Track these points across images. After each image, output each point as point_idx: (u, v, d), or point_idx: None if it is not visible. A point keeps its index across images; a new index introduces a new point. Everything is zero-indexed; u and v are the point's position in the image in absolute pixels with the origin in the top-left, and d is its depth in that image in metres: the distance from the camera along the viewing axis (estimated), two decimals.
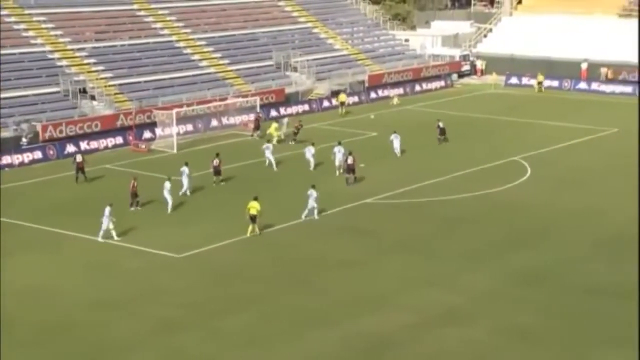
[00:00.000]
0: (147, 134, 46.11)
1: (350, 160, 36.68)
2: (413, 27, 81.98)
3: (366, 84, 59.77)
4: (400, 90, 60.39)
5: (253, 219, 30.16)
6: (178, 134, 45.39)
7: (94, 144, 44.10)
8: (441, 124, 44.37)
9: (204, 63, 55.38)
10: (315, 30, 64.75)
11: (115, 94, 49.20)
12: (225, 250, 29.16)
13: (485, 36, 72.87)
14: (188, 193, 35.12)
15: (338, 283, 26.11)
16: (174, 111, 45.32)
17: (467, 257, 28.20)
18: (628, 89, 59.65)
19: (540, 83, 61.55)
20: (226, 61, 56.32)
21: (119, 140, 45.27)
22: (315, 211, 31.90)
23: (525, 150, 42.52)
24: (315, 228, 31.33)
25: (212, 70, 55.15)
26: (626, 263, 27.30)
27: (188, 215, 32.78)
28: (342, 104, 54.02)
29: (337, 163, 38.19)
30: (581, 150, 43.63)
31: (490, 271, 26.90)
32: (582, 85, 61.94)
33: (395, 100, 57.31)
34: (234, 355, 21.73)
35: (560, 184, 36.89)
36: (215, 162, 36.55)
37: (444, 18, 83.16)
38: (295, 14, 65.47)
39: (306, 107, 55.03)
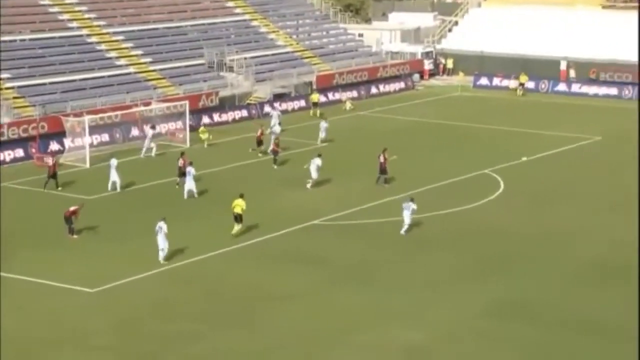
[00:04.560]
0: (53, 146, 45.60)
1: (382, 159, 38.95)
2: (368, 20, 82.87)
3: (314, 86, 60.09)
4: (354, 93, 60.98)
5: (238, 218, 32.00)
6: (91, 145, 45.06)
7: None
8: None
9: (122, 62, 55.08)
10: (254, 24, 64.96)
11: (14, 98, 48.52)
12: (148, 282, 28.87)
13: (450, 30, 73.96)
14: (118, 188, 38.21)
15: (281, 319, 26.05)
16: (86, 118, 44.95)
17: (432, 288, 28.43)
18: (613, 90, 61.18)
19: (522, 85, 62.47)
20: (148, 59, 56.10)
21: (19, 153, 44.70)
22: (405, 226, 33.13)
23: (497, 162, 43.16)
24: (253, 256, 31.28)
25: (131, 70, 54.89)
26: (610, 292, 27.86)
27: (103, 239, 32.45)
28: (315, 104, 55.31)
29: (313, 175, 38.85)
30: (561, 161, 44.48)
31: (459, 303, 27.14)
32: (562, 86, 63.32)
33: (348, 105, 57.80)
34: None
35: (538, 201, 37.53)
36: (180, 162, 38.66)
37: (404, 9, 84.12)
38: (230, 4, 65.60)
39: (244, 112, 55.11)
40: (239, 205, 32.32)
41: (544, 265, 30.35)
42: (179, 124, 48.97)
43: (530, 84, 63.72)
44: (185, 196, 37.54)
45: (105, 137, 47.30)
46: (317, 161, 38.94)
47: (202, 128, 48.49)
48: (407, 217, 33.01)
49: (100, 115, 47.02)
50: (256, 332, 25.29)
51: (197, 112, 51.75)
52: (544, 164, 43.99)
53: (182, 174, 38.39)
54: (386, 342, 24.61)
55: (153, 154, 45.24)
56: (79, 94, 50.57)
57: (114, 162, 38.97)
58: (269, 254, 31.35)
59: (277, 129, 47.47)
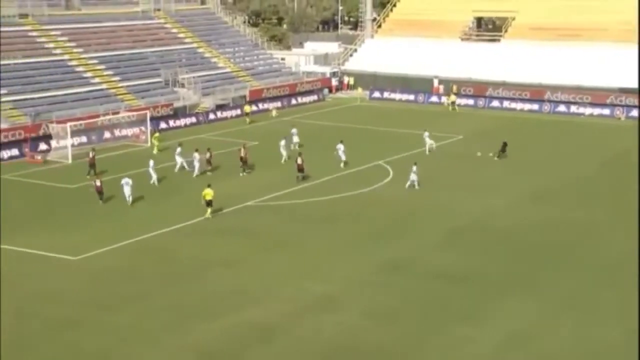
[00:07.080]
0: (42, 146, 44.01)
1: (299, 161, 37.46)
2: (288, 47, 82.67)
3: (247, 98, 59.53)
4: (278, 104, 60.66)
5: (209, 203, 31.58)
6: (72, 145, 43.67)
7: None
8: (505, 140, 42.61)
9: (96, 80, 53.50)
10: (200, 50, 63.88)
11: (10, 109, 46.66)
12: (115, 253, 28.20)
13: (351, 55, 74.15)
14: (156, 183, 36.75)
15: (221, 280, 25.70)
16: (69, 124, 43.67)
17: (339, 251, 28.45)
18: (470, 101, 62.39)
19: (453, 102, 60.72)
20: (117, 78, 54.65)
21: (15, 152, 43.10)
22: (415, 183, 35.98)
23: (388, 155, 43.42)
24: (199, 231, 30.77)
25: (104, 86, 53.35)
26: (472, 251, 28.38)
27: (81, 220, 31.56)
28: (247, 114, 54.61)
29: (342, 157, 40.29)
30: (436, 154, 44.98)
31: (359, 262, 27.23)
32: (434, 98, 64.16)
33: (274, 113, 57.46)
34: (123, 347, 21.05)
35: (420, 184, 37.83)
36: (208, 155, 38.79)
37: (315, 39, 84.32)
38: (181, 35, 64.37)
39: (193, 119, 54.38)
40: (209, 194, 31.45)
41: (422, 231, 30.65)
42: (142, 128, 47.89)
43: (411, 97, 64.36)
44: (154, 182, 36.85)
45: (84, 139, 45.93)
46: (341, 146, 40.20)
47: (156, 134, 45.66)
48: (413, 176, 35.71)
49: (80, 122, 45.68)
50: (200, 290, 24.80)
51: (156, 120, 50.71)
52: (422, 156, 44.36)
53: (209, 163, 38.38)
54: (305, 294, 24.55)
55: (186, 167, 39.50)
56: (62, 106, 48.92)
57: (128, 180, 33.68)
58: (212, 230, 30.84)
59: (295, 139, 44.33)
